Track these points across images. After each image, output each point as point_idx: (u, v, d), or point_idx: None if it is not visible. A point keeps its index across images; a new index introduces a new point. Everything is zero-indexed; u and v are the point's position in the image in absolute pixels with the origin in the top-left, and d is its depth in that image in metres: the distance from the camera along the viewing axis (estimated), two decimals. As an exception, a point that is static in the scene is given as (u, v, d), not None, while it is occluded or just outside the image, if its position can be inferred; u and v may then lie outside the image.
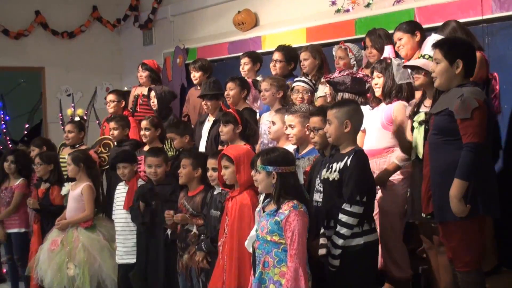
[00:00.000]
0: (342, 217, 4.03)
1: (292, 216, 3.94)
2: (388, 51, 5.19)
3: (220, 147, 5.99)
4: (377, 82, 4.96)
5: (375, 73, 4.97)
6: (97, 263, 6.24)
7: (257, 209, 4.32)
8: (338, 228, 4.04)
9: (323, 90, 5.89)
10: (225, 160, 4.76)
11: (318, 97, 5.90)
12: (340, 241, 4.02)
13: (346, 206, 4.03)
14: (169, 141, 6.48)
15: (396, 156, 4.79)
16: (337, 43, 6.25)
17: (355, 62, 5.96)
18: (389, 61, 4.91)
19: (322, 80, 5.87)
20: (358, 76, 5.18)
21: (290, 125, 4.90)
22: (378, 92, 4.97)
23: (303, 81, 5.73)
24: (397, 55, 5.29)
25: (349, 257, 4.04)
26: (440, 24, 5.40)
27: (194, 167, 5.36)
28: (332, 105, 4.37)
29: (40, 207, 6.76)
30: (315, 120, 4.56)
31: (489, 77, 4.85)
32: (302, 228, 3.93)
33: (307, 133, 4.74)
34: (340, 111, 4.20)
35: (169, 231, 5.55)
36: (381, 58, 5.15)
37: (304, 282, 3.88)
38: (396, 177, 4.84)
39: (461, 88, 3.94)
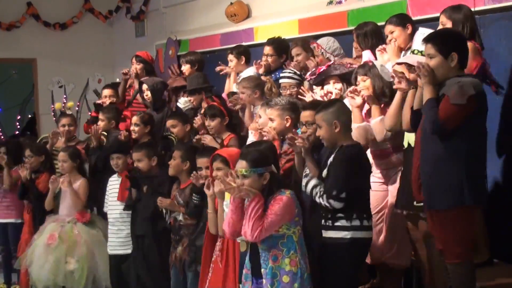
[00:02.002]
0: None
1: (277, 199, 3.90)
2: (367, 55, 5.16)
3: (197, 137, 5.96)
4: (364, 85, 4.78)
5: (359, 78, 4.80)
6: (95, 259, 6.27)
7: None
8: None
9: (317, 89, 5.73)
10: (219, 162, 4.65)
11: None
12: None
13: (325, 201, 4.03)
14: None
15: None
16: (329, 35, 6.21)
17: (329, 54, 5.72)
18: (371, 63, 4.84)
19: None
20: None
21: (270, 119, 4.87)
22: (365, 92, 4.76)
23: (287, 77, 5.70)
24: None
25: (333, 250, 4.04)
26: (432, 16, 5.40)
27: (183, 160, 5.34)
28: (318, 109, 4.26)
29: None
30: (306, 114, 4.51)
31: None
32: (279, 209, 3.87)
33: (287, 125, 4.75)
34: (326, 113, 4.15)
35: (168, 220, 5.50)
36: (362, 63, 5.05)
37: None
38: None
39: (460, 78, 3.90)
